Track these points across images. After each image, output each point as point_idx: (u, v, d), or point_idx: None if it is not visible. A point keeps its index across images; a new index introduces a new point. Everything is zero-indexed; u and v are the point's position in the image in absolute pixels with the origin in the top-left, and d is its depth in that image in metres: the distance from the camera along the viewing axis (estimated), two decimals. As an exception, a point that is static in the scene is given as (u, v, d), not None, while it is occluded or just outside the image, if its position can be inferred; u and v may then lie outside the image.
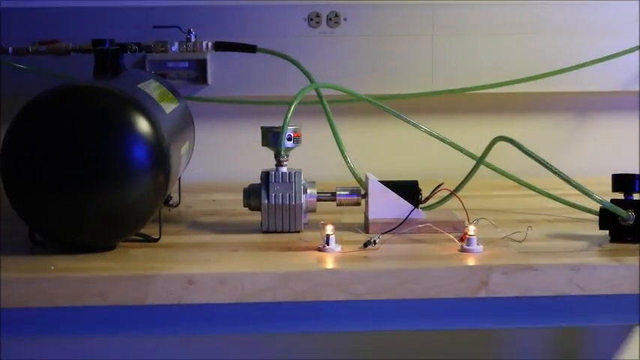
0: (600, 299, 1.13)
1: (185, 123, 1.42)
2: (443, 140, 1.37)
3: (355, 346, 1.84)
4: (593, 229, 1.25)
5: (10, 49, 1.50)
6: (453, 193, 1.32)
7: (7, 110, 1.18)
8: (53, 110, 1.14)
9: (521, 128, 1.77)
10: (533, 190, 1.32)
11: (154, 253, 1.20)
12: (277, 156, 1.31)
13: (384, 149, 1.77)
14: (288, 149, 1.31)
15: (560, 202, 1.32)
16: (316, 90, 1.39)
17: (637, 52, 1.72)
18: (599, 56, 1.71)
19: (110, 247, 1.20)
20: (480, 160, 1.36)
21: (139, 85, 1.29)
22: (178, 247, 1.24)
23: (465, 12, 1.73)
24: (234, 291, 1.10)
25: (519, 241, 1.22)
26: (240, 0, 1.72)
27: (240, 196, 1.32)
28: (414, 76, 1.74)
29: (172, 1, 1.71)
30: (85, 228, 1.15)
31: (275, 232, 1.30)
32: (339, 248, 1.19)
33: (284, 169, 1.30)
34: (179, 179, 1.44)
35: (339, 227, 1.24)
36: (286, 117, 1.30)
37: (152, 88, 1.33)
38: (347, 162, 1.35)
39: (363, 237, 1.24)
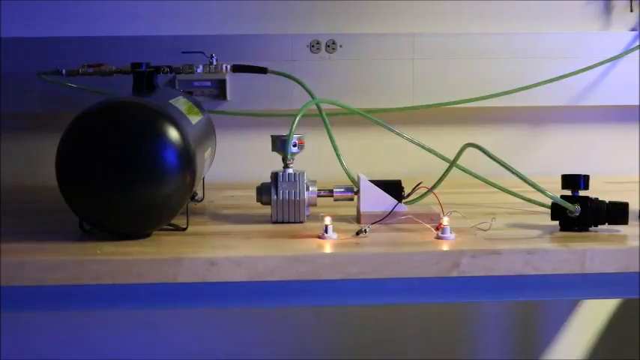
0: (551, 278, 1.13)
1: (208, 132, 1.42)
2: (421, 146, 1.37)
3: (347, 317, 1.84)
4: (546, 220, 1.25)
5: (63, 70, 1.51)
6: (430, 190, 1.32)
7: (62, 122, 1.18)
8: (100, 121, 1.14)
9: (486, 136, 1.77)
10: (497, 188, 1.31)
11: (182, 240, 1.20)
12: (284, 159, 1.31)
13: (373, 154, 1.77)
14: (294, 154, 1.31)
15: (518, 197, 1.32)
16: (317, 104, 1.39)
17: (582, 73, 1.72)
18: (551, 77, 1.72)
19: (146, 235, 1.20)
20: (453, 163, 1.36)
21: (170, 101, 1.29)
22: (202, 235, 1.24)
23: (439, 41, 1.73)
24: (249, 271, 1.10)
25: (485, 230, 1.23)
26: (254, 31, 1.72)
27: (253, 193, 1.31)
28: (397, 93, 1.73)
29: (198, 31, 1.71)
30: (125, 219, 1.15)
31: (282, 222, 1.30)
32: (335, 236, 1.19)
33: (290, 171, 1.30)
34: (203, 179, 1.44)
35: (336, 219, 1.24)
36: (292, 127, 1.30)
37: (181, 103, 1.33)
38: (342, 164, 1.35)
39: (355, 227, 1.24)
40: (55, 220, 1.30)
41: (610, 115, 1.80)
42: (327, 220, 1.19)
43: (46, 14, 1.69)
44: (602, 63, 1.72)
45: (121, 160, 1.13)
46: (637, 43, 1.73)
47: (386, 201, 1.28)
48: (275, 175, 1.29)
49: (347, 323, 1.84)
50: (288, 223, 1.29)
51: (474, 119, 1.79)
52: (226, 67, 1.50)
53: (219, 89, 1.70)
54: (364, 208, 1.29)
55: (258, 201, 1.31)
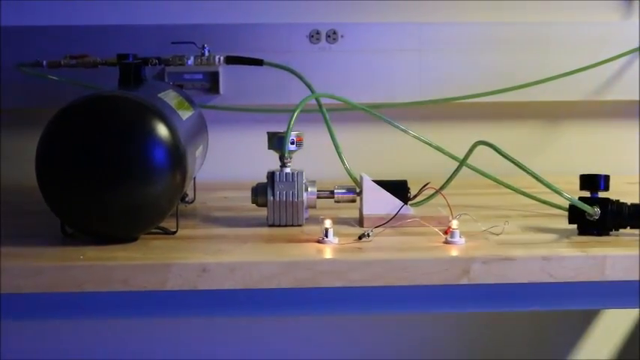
0: (568, 286, 1.13)
1: (199, 128, 1.42)
2: (429, 144, 1.37)
3: (349, 328, 1.84)
4: (563, 224, 1.25)
5: (44, 62, 1.51)
6: (438, 191, 1.32)
7: (40, 117, 1.18)
8: (83, 117, 1.14)
9: (498, 133, 1.77)
10: (510, 189, 1.31)
11: (172, 244, 1.20)
12: (281, 158, 1.30)
13: (376, 152, 1.77)
14: (291, 152, 1.31)
15: (533, 199, 1.32)
16: (316, 99, 1.39)
17: (602, 65, 1.72)
18: (568, 70, 1.71)
19: (133, 239, 1.19)
20: (462, 162, 1.35)
21: (158, 95, 1.29)
22: (193, 239, 1.24)
23: (447, 30, 1.73)
24: (243, 278, 1.09)
25: (497, 234, 1.22)
26: (249, 19, 1.72)
27: (248, 194, 1.31)
28: (403, 86, 1.73)
29: (188, 20, 1.71)
30: (110, 221, 1.15)
31: (279, 225, 1.29)
32: (336, 240, 1.18)
33: (287, 170, 1.30)
34: (194, 178, 1.44)
35: (337, 222, 1.23)
36: (290, 123, 1.29)
37: (170, 97, 1.33)
38: (343, 163, 1.35)
39: (358, 230, 1.24)
40: (35, 223, 1.30)
41: (631, 110, 1.80)
42: (328, 224, 1.18)
43: (24, 1, 1.69)
44: (623, 54, 1.72)
45: (106, 159, 1.12)
46: (660, 33, 1.73)
47: (391, 203, 1.28)
48: (271, 175, 1.29)
49: (347, 326, 1.84)
50: (286, 226, 1.29)
51: (485, 115, 1.79)
52: (219, 58, 1.50)
53: (211, 82, 1.70)
54: (367, 211, 1.28)
55: (253, 202, 1.31)
